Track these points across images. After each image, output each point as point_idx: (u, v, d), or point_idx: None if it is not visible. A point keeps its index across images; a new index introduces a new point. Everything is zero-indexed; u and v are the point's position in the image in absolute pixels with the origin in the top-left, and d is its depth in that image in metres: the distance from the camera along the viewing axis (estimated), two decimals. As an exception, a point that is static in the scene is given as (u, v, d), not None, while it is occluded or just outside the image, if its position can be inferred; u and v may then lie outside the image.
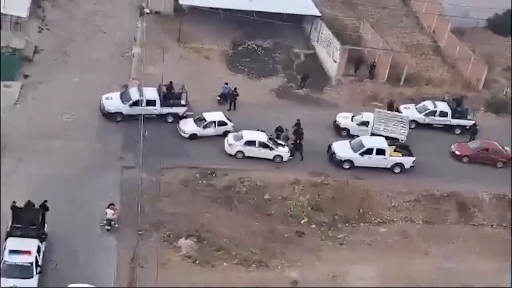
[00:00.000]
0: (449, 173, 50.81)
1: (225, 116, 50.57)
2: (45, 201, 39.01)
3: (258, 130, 49.92)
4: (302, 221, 45.59)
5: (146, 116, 48.74)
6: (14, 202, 38.46)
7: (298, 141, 49.33)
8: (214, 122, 49.83)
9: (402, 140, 52.31)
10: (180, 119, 50.71)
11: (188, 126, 49.70)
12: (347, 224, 46.17)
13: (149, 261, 39.86)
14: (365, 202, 47.50)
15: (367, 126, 52.45)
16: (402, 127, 52.41)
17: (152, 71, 55.05)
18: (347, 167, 49.39)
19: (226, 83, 54.70)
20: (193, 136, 49.38)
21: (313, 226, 45.55)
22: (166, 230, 42.21)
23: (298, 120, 50.70)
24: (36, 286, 35.65)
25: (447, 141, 53.98)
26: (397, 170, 50.00)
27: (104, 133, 48.80)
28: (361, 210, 47.13)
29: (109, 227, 40.77)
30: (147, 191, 44.34)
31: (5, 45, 51.22)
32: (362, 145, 49.53)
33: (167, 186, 45.13)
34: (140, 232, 41.59)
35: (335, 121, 53.33)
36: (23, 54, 53.08)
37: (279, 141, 49.47)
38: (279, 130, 50.71)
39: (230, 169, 47.48)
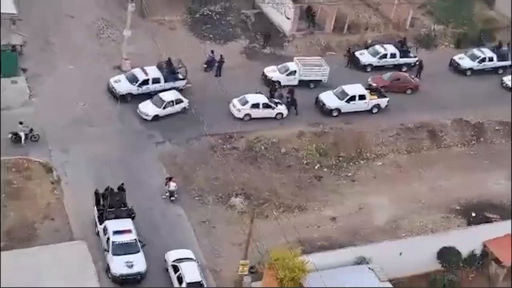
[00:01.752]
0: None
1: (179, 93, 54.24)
2: (122, 183, 43.55)
3: (256, 92, 55.80)
4: (316, 167, 52.59)
5: (151, 93, 53.42)
6: (97, 189, 42.77)
7: (292, 97, 55.80)
8: (172, 101, 52.66)
9: (324, 80, 59.30)
10: (180, 91, 55.33)
11: (149, 109, 51.94)
12: (350, 164, 53.79)
13: (215, 221, 45.70)
14: (359, 142, 55.25)
15: (295, 75, 58.78)
16: (324, 69, 59.12)
17: (133, 49, 58.86)
18: (335, 114, 56.68)
19: (212, 51, 59.76)
20: (156, 118, 51.91)
21: (325, 170, 52.78)
22: (217, 193, 47.87)
23: (291, 88, 57.03)
24: (144, 259, 40.61)
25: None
26: (375, 110, 57.88)
27: (122, 115, 52.85)
28: (358, 150, 54.71)
29: (173, 198, 45.95)
30: (185, 161, 49.57)
31: (6, 43, 53.22)
32: (346, 94, 56.96)
33: (200, 155, 50.54)
34: (197, 198, 47.06)
35: (265, 75, 58.71)
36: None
37: (276, 100, 55.69)
38: (272, 89, 56.82)
39: (243, 132, 53.40)
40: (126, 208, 42.35)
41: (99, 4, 64.61)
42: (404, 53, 64.90)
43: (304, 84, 58.93)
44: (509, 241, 44.92)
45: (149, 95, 53.88)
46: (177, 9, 66.80)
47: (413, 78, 61.88)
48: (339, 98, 56.91)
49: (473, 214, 50.34)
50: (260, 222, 45.72)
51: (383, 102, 58.02)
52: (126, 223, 41.60)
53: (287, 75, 58.58)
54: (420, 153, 56.37)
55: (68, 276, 32.91)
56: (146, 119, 52.17)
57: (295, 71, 58.57)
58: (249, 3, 69.85)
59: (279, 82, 58.14)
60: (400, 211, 49.93)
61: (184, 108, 53.32)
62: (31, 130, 47.76)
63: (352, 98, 56.86)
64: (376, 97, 58.08)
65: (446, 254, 44.65)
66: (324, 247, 44.59)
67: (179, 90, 55.45)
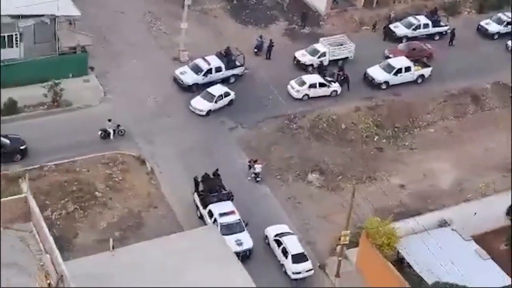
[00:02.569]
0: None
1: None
2: (217, 169, 47.25)
3: (310, 73, 59.37)
4: (375, 139, 56.51)
5: (214, 82, 56.87)
6: (196, 176, 46.45)
7: (345, 74, 59.48)
8: (221, 94, 54.87)
9: (351, 57, 62.35)
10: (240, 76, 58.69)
11: (202, 105, 54.23)
12: (406, 133, 57.74)
13: (299, 197, 49.63)
14: (410, 112, 59.15)
15: (325, 56, 61.58)
16: (350, 46, 62.40)
17: (186, 40, 62.04)
18: (384, 87, 60.46)
19: (261, 36, 63.13)
20: (209, 113, 54.27)
21: (384, 141, 56.70)
22: (294, 171, 51.72)
23: (342, 65, 60.80)
24: (249, 236, 44.47)
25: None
26: (419, 81, 61.74)
27: (186, 104, 56.14)
28: (410, 119, 58.66)
29: (259, 179, 49.74)
30: (259, 144, 53.31)
31: (75, 44, 56.25)
32: (393, 67, 60.69)
33: (270, 136, 54.26)
34: (278, 177, 50.90)
35: (297, 59, 61.19)
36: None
37: (329, 78, 59.33)
38: (323, 69, 60.47)
39: (304, 111, 57.05)
40: (226, 191, 46.01)
41: (144, -1, 67.35)
42: (436, 23, 68.56)
43: (332, 62, 61.68)
44: None
45: (211, 84, 57.05)
46: (214, -3, 69.74)
47: (427, 47, 65.07)
48: (387, 72, 60.63)
49: (526, 177, 54.38)
50: (337, 196, 49.83)
51: (427, 71, 61.86)
52: (228, 205, 45.40)
53: (318, 57, 61.40)
54: (467, 117, 60.33)
55: (211, 259, 36.50)
56: (201, 115, 54.47)
57: (325, 53, 61.48)
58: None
59: (312, 65, 60.99)
60: (461, 174, 54.04)
61: (231, 100, 55.79)
62: (118, 126, 51.08)
63: (399, 70, 60.62)
64: (420, 67, 61.84)
65: (515, 210, 48.84)
66: (402, 214, 48.49)
67: (239, 76, 58.76)
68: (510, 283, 42.01)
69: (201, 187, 46.63)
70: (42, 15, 55.92)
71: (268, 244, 45.43)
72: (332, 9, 70.38)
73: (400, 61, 61.31)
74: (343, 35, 64.38)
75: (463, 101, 61.42)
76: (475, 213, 47.29)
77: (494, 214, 48.45)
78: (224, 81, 58.40)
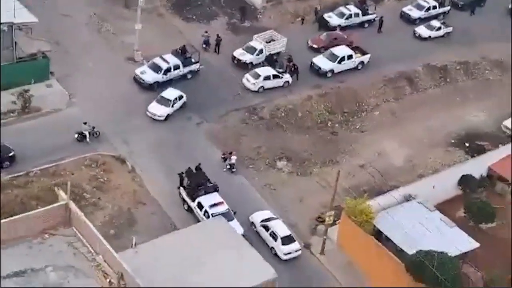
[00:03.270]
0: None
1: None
2: (199, 163, 50.08)
3: (263, 65, 62.80)
4: (329, 124, 60.73)
5: (172, 79, 59.52)
6: (181, 172, 49.11)
7: (294, 65, 63.26)
8: (176, 98, 56.48)
9: (283, 51, 65.61)
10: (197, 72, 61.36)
11: (159, 110, 55.63)
12: (354, 117, 62.26)
13: (272, 183, 53.22)
14: (356, 97, 63.72)
15: (263, 53, 64.31)
16: (282, 41, 65.67)
17: (133, 40, 64.00)
18: (329, 75, 64.72)
19: (206, 31, 65.88)
20: (167, 117, 55.73)
21: (337, 125, 61.03)
22: (264, 160, 55.21)
23: (290, 56, 64.30)
24: (239, 224, 47.61)
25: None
26: (360, 67, 66.39)
27: (150, 102, 58.26)
28: (357, 104, 63.26)
29: (234, 170, 52.91)
30: (226, 136, 56.42)
31: (36, 50, 57.26)
32: (336, 56, 64.97)
33: (236, 129, 57.43)
34: (251, 167, 54.26)
35: (237, 59, 63.38)
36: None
37: (281, 70, 62.93)
38: (273, 61, 64.00)
39: (262, 102, 60.50)
40: (211, 183, 48.94)
41: (86, 1, 68.33)
42: (365, 12, 73.37)
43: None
44: (509, 162, 55.03)
45: (171, 81, 59.50)
46: (154, -5, 71.66)
47: (346, 36, 69.32)
48: (331, 60, 64.85)
49: (467, 145, 60.18)
50: (306, 179, 53.77)
51: (366, 58, 66.57)
52: (216, 197, 48.42)
53: (257, 55, 64.15)
54: (405, 98, 65.51)
55: (226, 246, 39.40)
56: (160, 120, 55.86)
57: (262, 50, 64.28)
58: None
59: (251, 63, 63.43)
60: (410, 151, 59.10)
61: (184, 102, 57.54)
62: (93, 128, 52.82)
63: (342, 58, 64.99)
64: (360, 54, 66.42)
65: (465, 181, 54.24)
66: (368, 191, 52.94)
67: (196, 71, 61.43)
68: (478, 245, 47.12)
69: (186, 182, 49.08)
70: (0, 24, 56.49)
71: (255, 229, 48.63)
72: (268, 2, 73.65)
73: (342, 50, 65.67)
74: (272, 30, 67.35)
75: (400, 84, 66.51)
76: (433, 186, 52.29)
77: (448, 185, 53.70)
78: (182, 77, 60.75)
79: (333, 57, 65.10)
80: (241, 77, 61.90)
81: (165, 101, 56.39)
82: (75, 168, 50.39)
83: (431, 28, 72.60)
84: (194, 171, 49.73)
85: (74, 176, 49.73)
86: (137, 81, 59.69)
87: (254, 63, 63.81)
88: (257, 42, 64.85)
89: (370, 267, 45.70)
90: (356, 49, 67.09)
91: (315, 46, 67.21)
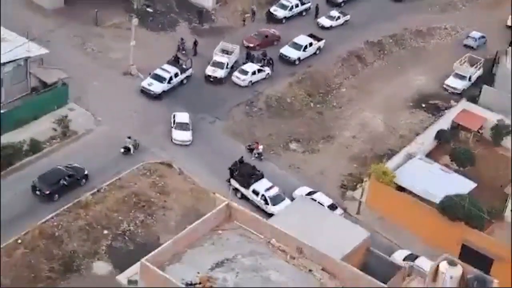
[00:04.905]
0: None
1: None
2: (242, 157, 58.47)
3: (244, 63, 71.28)
4: (312, 105, 70.58)
5: (174, 86, 66.95)
6: (230, 167, 57.27)
7: (270, 58, 72.34)
8: (183, 122, 61.67)
9: (237, 58, 71.75)
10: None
11: (185, 135, 60.98)
12: (329, 96, 72.47)
13: (295, 163, 62.50)
14: (324, 78, 73.92)
15: (228, 66, 69.89)
16: (236, 51, 71.79)
17: (119, 55, 70.47)
18: (297, 63, 74.36)
19: (182, 38, 73.18)
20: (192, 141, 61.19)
21: (318, 106, 70.98)
22: (279, 144, 64.18)
23: (264, 51, 73.04)
24: (290, 201, 56.65)
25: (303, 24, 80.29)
26: (318, 52, 76.51)
27: (167, 109, 65.36)
28: (326, 85, 73.54)
29: (262, 157, 61.60)
30: (240, 129, 64.81)
31: (57, 79, 62.51)
32: (300, 45, 74.60)
33: (244, 122, 65.85)
34: (272, 152, 63.20)
35: (212, 76, 68.56)
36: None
37: (260, 64, 71.75)
38: (251, 57, 72.60)
39: (256, 93, 69.14)
40: (259, 171, 57.51)
41: (61, 24, 72.62)
42: (302, 1, 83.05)
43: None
44: (468, 114, 67.54)
45: (173, 88, 66.77)
46: (114, 12, 77.23)
47: (275, 31, 77.47)
48: (297, 49, 74.38)
49: (423, 105, 72.21)
50: (316, 156, 63.58)
51: (322, 43, 76.67)
52: (266, 182, 57.07)
53: (226, 68, 69.84)
54: (360, 74, 76.44)
55: (324, 217, 48.21)
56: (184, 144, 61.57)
57: (227, 63, 70.15)
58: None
59: (221, 79, 69.16)
60: (384, 117, 70.11)
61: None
62: (135, 140, 59.42)
63: (306, 46, 74.72)
64: (317, 41, 76.41)
65: (441, 134, 66.12)
66: (370, 157, 63.56)
67: (189, 76, 68.91)
68: (476, 185, 59.05)
69: (236, 174, 57.27)
70: (18, 59, 61.25)
71: (300, 203, 57.77)
72: (217, 4, 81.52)
73: (304, 39, 75.34)
74: (223, 42, 73.20)
75: (352, 62, 77.27)
76: (423, 142, 63.84)
77: (429, 140, 65.43)
78: (179, 83, 68.08)
79: (298, 46, 74.60)
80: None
81: (185, 126, 61.70)
82: (135, 178, 56.87)
83: (331, 18, 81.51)
84: (239, 164, 57.82)
85: (137, 185, 56.32)
86: (145, 92, 66.18)
87: (224, 76, 69.70)
88: (221, 57, 70.51)
89: (405, 218, 56.12)
90: (312, 36, 76.82)
91: (251, 45, 74.63)
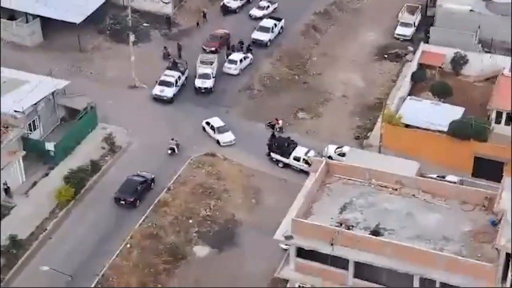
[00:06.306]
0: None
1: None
2: (273, 131, 67.21)
3: (230, 53, 79.54)
4: (297, 78, 79.93)
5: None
6: (268, 144, 65.91)
7: (248, 45, 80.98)
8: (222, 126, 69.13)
9: (216, 66, 78.85)
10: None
11: (228, 136, 68.44)
12: (306, 66, 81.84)
13: (310, 129, 71.78)
14: (296, 52, 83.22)
15: (213, 76, 76.57)
16: (215, 61, 78.03)
17: (115, 73, 77.15)
18: (269, 44, 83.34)
19: (165, 47, 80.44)
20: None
21: (301, 76, 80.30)
22: (288, 116, 73.12)
23: (240, 40, 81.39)
24: (325, 159, 66.04)
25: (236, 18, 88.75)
26: (281, 31, 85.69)
27: (181, 110, 72.97)
28: (299, 57, 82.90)
29: (284, 130, 70.39)
30: (250, 110, 73.25)
31: (87, 105, 68.56)
32: (267, 28, 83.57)
33: (251, 104, 74.36)
34: (288, 125, 72.13)
35: (202, 87, 74.35)
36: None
37: (242, 52, 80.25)
38: (233, 48, 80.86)
39: (248, 79, 77.62)
40: (292, 140, 66.59)
41: (46, 57, 78.00)
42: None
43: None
44: (429, 54, 78.88)
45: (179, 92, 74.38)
46: (92, 35, 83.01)
47: (224, 31, 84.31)
48: (266, 32, 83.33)
49: (386, 56, 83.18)
50: (322, 119, 73.19)
51: (282, 23, 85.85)
52: (302, 148, 66.21)
53: (213, 77, 75.97)
54: (321, 42, 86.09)
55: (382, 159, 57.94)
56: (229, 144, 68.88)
57: (213, 73, 76.43)
58: (119, 6, 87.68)
59: (211, 88, 75.47)
60: (359, 73, 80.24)
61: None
62: (176, 140, 66.79)
63: (272, 28, 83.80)
64: (278, 21, 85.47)
65: (416, 74, 77.11)
66: (370, 107, 73.86)
67: (186, 77, 76.48)
68: (464, 109, 70.42)
69: (275, 147, 66.01)
70: (47, 95, 67.05)
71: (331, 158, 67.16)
72: (174, 8, 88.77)
73: (269, 22, 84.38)
74: (201, 54, 79.71)
75: (311, 33, 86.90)
76: (402, 85, 74.74)
77: (406, 83, 76.44)
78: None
79: (266, 29, 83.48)
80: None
81: (223, 128, 68.99)
82: (191, 172, 64.42)
83: (261, 8, 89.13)
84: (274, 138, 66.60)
85: (196, 177, 63.92)
86: (158, 99, 73.25)
87: (213, 85, 76.14)
88: (206, 68, 76.77)
89: (419, 149, 65.90)
90: (273, 18, 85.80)
91: (212, 49, 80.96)
